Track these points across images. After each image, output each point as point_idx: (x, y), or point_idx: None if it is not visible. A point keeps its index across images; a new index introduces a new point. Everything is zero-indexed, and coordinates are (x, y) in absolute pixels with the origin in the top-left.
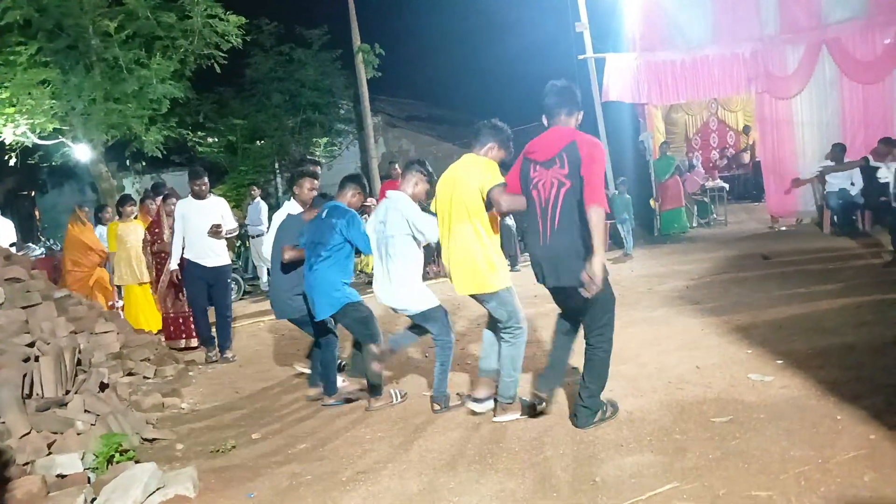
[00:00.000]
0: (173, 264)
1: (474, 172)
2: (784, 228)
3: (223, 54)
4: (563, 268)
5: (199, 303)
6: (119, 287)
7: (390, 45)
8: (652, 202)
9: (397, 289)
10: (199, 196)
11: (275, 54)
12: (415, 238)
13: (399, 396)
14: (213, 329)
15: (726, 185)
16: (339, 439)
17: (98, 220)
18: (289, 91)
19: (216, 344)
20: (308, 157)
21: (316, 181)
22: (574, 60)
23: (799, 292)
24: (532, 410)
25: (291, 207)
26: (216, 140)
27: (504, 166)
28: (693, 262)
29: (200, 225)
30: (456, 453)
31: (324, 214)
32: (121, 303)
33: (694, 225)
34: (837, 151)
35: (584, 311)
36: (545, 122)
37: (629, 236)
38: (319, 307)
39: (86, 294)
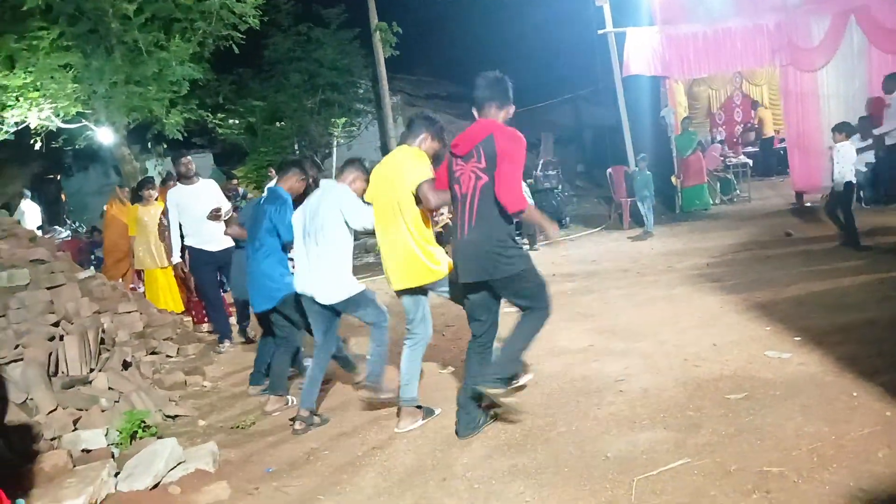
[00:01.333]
0: (175, 257)
1: (406, 166)
2: (809, 204)
3: (241, 35)
4: (475, 263)
5: (210, 291)
6: (139, 271)
7: (408, 24)
8: (673, 179)
9: (324, 277)
10: (185, 175)
11: (293, 34)
12: (347, 227)
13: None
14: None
15: (750, 161)
16: (357, 417)
17: (138, 199)
18: (307, 71)
19: (231, 336)
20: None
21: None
22: (594, 35)
23: (822, 269)
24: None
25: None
26: (236, 122)
27: (437, 159)
28: (714, 240)
29: (197, 210)
30: None
31: (262, 200)
32: (142, 287)
33: (716, 202)
34: (865, 125)
35: (513, 300)
36: (475, 114)
37: (649, 214)
38: (259, 299)
39: (123, 275)
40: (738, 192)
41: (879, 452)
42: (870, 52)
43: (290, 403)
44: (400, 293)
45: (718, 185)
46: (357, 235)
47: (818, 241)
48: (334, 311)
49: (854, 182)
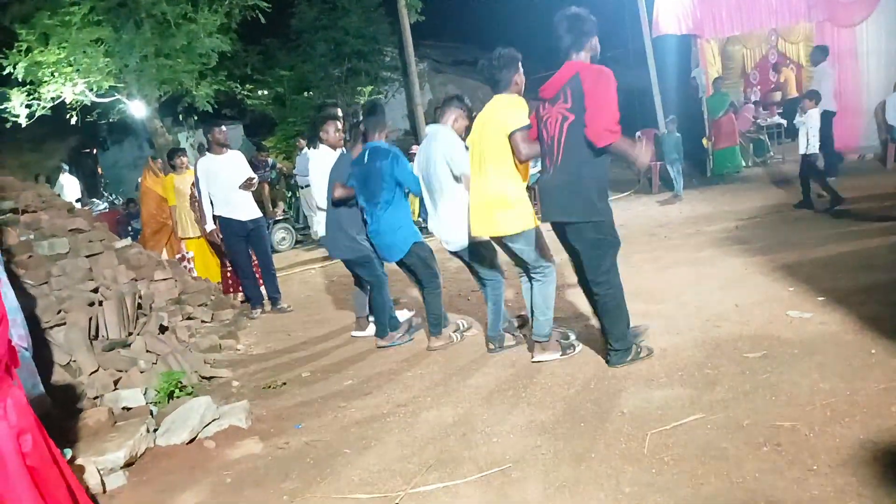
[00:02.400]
0: (208, 225)
1: (503, 114)
2: (846, 163)
3: (267, 5)
4: (557, 203)
5: (241, 259)
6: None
7: None
8: (704, 141)
9: (448, 225)
10: (222, 143)
11: (318, 3)
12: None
13: (460, 336)
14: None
15: (784, 122)
16: (383, 377)
17: (171, 169)
18: (333, 40)
19: (262, 303)
20: (326, 101)
21: (339, 122)
22: None
23: (851, 230)
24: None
25: (321, 154)
26: (264, 92)
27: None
28: (744, 203)
29: (227, 179)
30: (492, 388)
31: (366, 158)
32: (191, 253)
33: (749, 164)
34: None
35: (581, 253)
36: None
37: (679, 177)
38: (388, 252)
39: (163, 246)
40: (771, 153)
41: (893, 407)
42: None
43: (460, 329)
44: (501, 242)
45: (751, 146)
46: None
47: (852, 203)
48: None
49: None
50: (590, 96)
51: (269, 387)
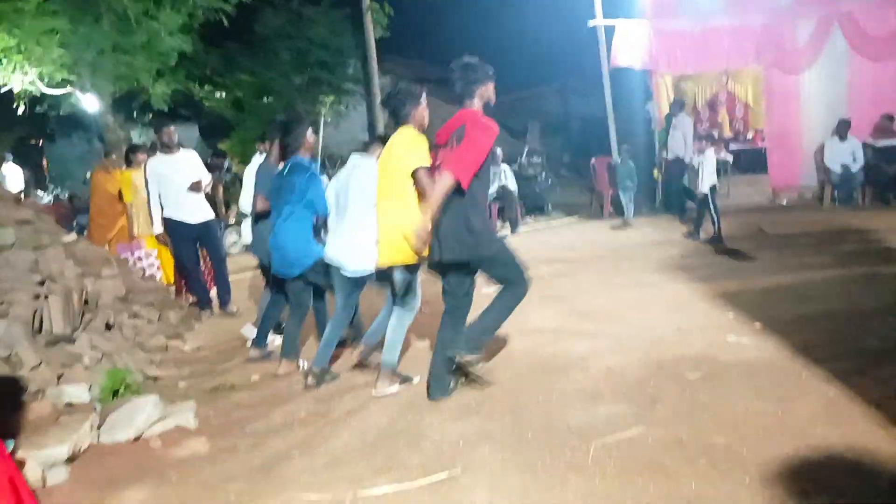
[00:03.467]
0: (156, 228)
1: (405, 149)
2: (785, 202)
3: (232, 8)
4: (446, 243)
5: (188, 262)
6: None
7: (400, 6)
8: (655, 173)
9: (351, 249)
10: (169, 146)
11: (284, 10)
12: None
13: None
14: (211, 289)
15: (730, 158)
16: (333, 384)
17: (128, 164)
18: (297, 49)
19: (211, 306)
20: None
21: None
22: (584, 26)
23: (791, 263)
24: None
25: (257, 162)
26: (223, 95)
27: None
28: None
29: (177, 180)
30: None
31: (285, 171)
32: (154, 251)
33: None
34: (842, 127)
35: (493, 274)
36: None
37: (630, 204)
38: (287, 266)
39: (106, 243)
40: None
41: (818, 428)
42: (851, 57)
43: (301, 367)
44: (389, 268)
45: None
46: None
47: (790, 237)
48: (359, 280)
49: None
50: (463, 142)
51: (217, 389)
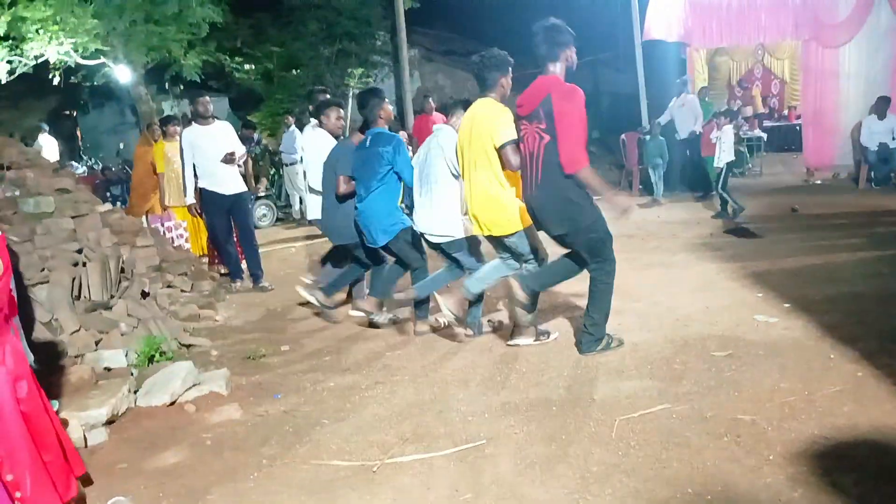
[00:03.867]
0: (189, 197)
1: (490, 123)
2: (819, 182)
3: None
4: (548, 218)
5: (221, 233)
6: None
7: None
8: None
9: (437, 214)
10: (203, 115)
11: None
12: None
13: (445, 322)
14: (242, 261)
15: (764, 135)
16: (362, 355)
17: (164, 134)
18: (325, 19)
19: (242, 276)
20: (316, 87)
21: (342, 110)
22: None
23: (821, 244)
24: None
25: (318, 136)
26: (253, 67)
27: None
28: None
29: (211, 151)
30: (469, 371)
31: (367, 143)
32: (184, 222)
33: None
34: (881, 105)
35: (581, 250)
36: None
37: (660, 182)
38: (375, 236)
39: (144, 214)
40: (750, 165)
41: (845, 407)
42: (895, 31)
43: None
44: (494, 240)
45: None
46: None
47: (823, 218)
48: (452, 246)
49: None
50: (559, 121)
51: (250, 357)
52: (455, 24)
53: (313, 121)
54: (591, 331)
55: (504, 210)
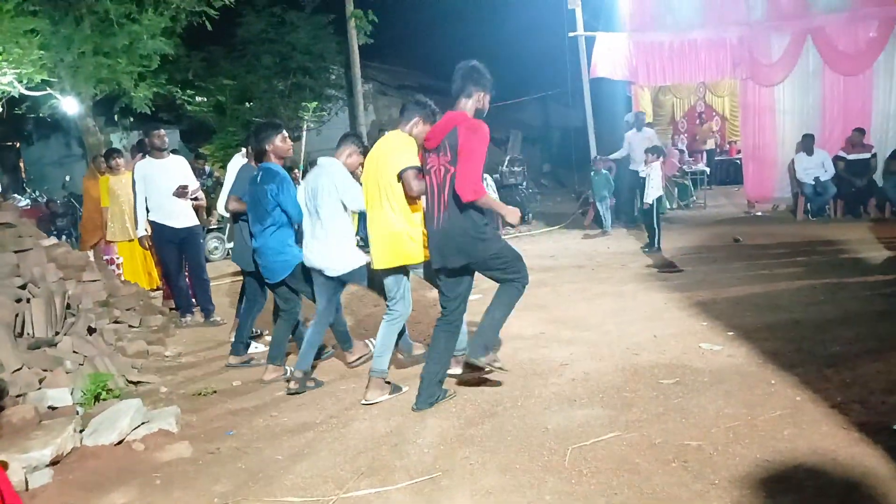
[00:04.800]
0: (140, 231)
1: (393, 152)
2: (760, 213)
3: (215, 12)
4: (454, 248)
5: (172, 267)
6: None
7: (384, 13)
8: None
9: (329, 251)
10: (160, 148)
11: (267, 15)
12: (343, 205)
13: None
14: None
15: (707, 169)
16: (315, 390)
17: (109, 168)
18: (280, 54)
19: (193, 311)
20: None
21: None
22: (566, 37)
23: (762, 273)
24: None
25: (241, 161)
26: (205, 99)
27: None
28: (667, 242)
29: (164, 185)
30: None
31: (258, 178)
32: (120, 259)
33: (673, 206)
34: (808, 142)
35: (493, 276)
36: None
37: (608, 214)
38: (270, 272)
39: (94, 245)
40: (693, 198)
41: (785, 431)
42: (824, 71)
43: (287, 374)
44: (383, 272)
45: (676, 190)
46: None
47: (763, 248)
48: (339, 282)
49: (662, 196)
50: (462, 152)
51: (200, 394)
52: (409, 60)
53: (242, 150)
54: (487, 333)
55: (413, 241)
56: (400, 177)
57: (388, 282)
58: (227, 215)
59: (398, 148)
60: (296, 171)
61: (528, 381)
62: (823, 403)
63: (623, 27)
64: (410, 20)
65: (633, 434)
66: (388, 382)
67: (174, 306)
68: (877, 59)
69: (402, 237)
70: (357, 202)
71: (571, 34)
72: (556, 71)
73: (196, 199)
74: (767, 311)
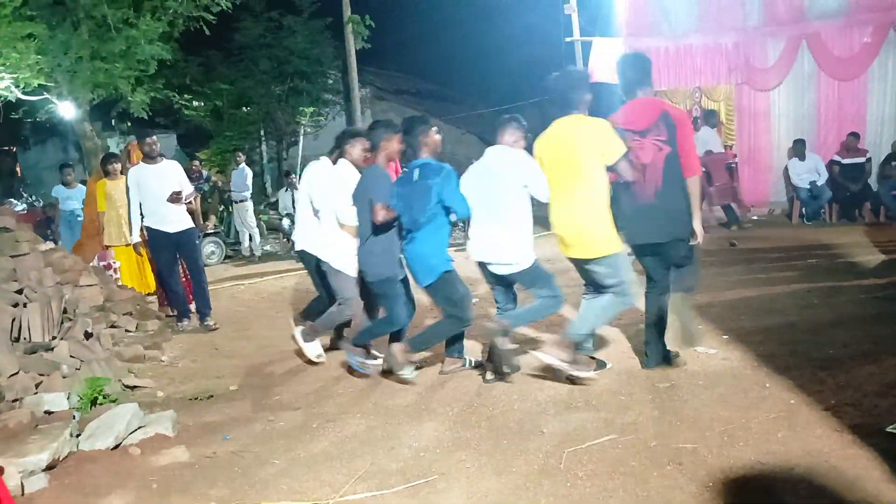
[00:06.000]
0: (134, 237)
1: (595, 137)
2: (756, 217)
3: (213, 17)
4: (659, 224)
5: (165, 272)
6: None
7: (381, 18)
8: None
9: (506, 245)
10: (150, 156)
11: (264, 20)
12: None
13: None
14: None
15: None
16: (312, 393)
17: (105, 173)
18: (277, 58)
19: (190, 316)
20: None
21: (368, 143)
22: (562, 42)
23: (758, 277)
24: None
25: (343, 171)
26: (202, 104)
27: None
28: None
29: (157, 190)
30: (421, 407)
31: (415, 176)
32: (118, 263)
33: None
34: (799, 147)
35: (680, 263)
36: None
37: None
38: (423, 275)
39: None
40: None
41: (779, 434)
42: (819, 76)
43: (467, 364)
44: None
45: None
46: None
47: (759, 252)
48: (511, 278)
49: None
50: (681, 134)
51: (196, 398)
52: (406, 64)
53: (322, 158)
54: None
55: (601, 230)
56: (616, 164)
57: (600, 270)
58: (347, 223)
59: (600, 132)
60: (293, 175)
61: (524, 386)
62: (817, 406)
63: (618, 32)
64: (408, 25)
65: (628, 437)
66: (593, 359)
67: (170, 312)
68: (871, 65)
69: (601, 226)
70: (544, 189)
71: (568, 39)
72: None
73: (189, 202)
74: (762, 315)
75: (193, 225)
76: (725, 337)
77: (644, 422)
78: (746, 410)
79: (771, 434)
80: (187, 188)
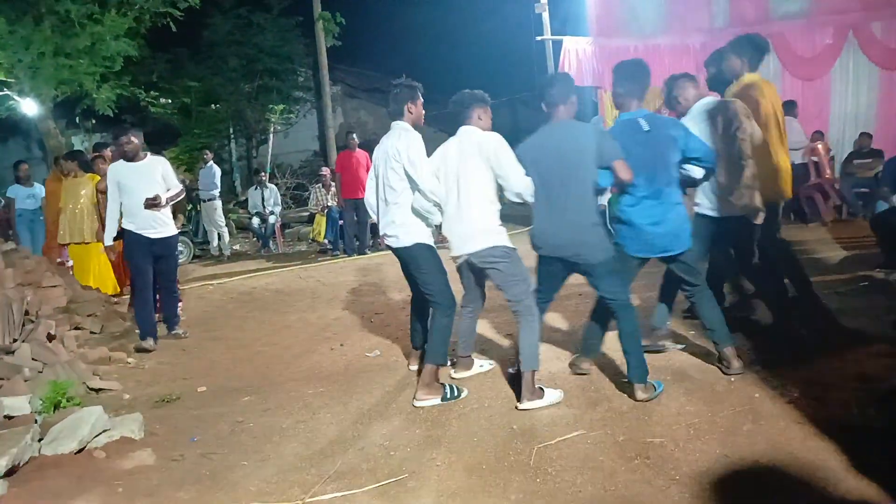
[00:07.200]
0: (108, 239)
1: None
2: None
3: (180, 13)
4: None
5: (140, 280)
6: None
7: (352, 15)
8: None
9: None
10: (127, 157)
11: (233, 17)
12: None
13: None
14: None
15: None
16: (283, 394)
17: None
18: (246, 55)
19: (155, 336)
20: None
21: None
22: (533, 41)
23: None
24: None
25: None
26: (170, 101)
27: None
28: None
29: (139, 191)
30: (391, 406)
31: (646, 127)
32: (70, 262)
33: None
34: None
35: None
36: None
37: None
38: (675, 241)
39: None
40: None
41: (744, 427)
42: (783, 76)
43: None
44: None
45: None
46: None
47: None
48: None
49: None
50: None
51: (164, 400)
52: (378, 62)
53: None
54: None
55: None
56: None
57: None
58: (439, 196)
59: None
60: (262, 174)
61: (495, 382)
62: (781, 400)
63: (588, 32)
64: (379, 23)
65: (597, 432)
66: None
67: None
68: (833, 66)
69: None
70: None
71: (539, 38)
72: (523, 74)
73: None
74: (726, 311)
75: (176, 232)
76: (692, 333)
77: (612, 417)
78: (712, 405)
79: (736, 427)
80: (174, 187)
